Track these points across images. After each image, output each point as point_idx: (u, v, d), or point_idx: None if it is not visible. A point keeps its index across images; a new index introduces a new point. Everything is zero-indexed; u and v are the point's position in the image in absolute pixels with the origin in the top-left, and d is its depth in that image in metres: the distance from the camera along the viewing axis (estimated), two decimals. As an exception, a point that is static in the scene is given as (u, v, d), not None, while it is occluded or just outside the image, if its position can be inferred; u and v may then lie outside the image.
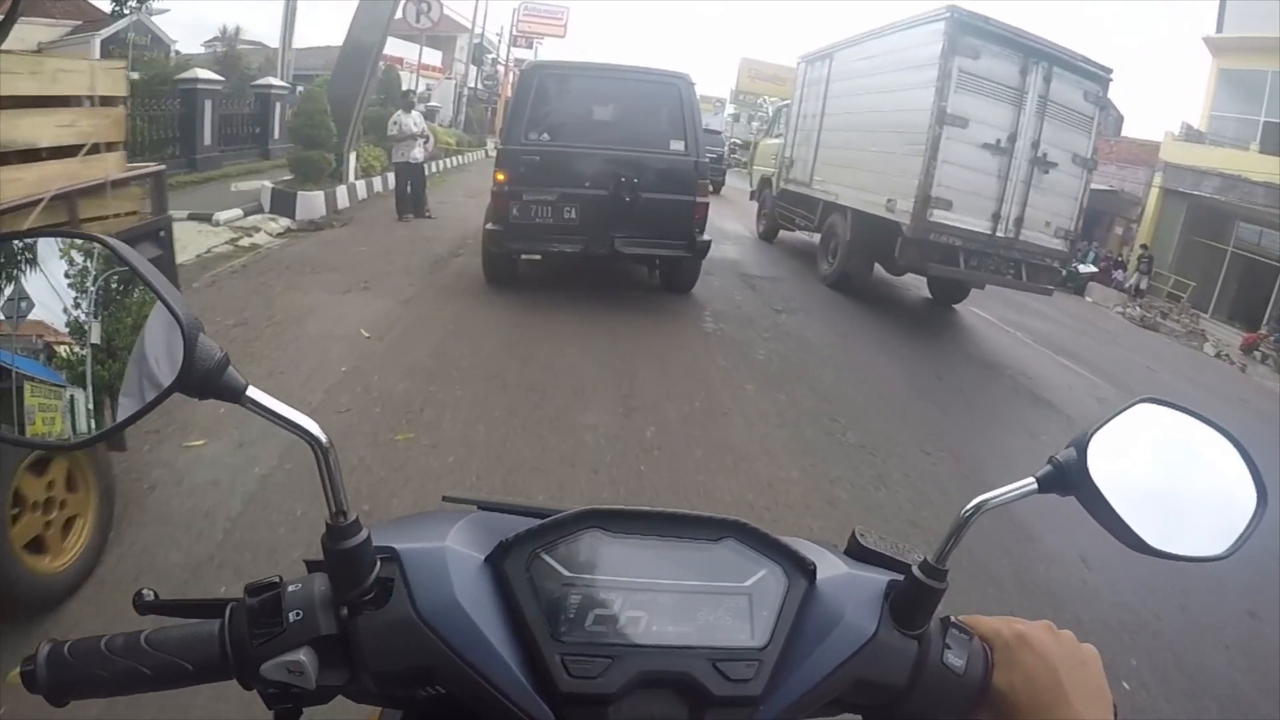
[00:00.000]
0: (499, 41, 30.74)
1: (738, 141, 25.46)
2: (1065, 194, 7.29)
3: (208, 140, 10.50)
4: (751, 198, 12.36)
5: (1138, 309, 13.95)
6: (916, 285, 8.98)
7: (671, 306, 6.37)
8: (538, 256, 6.24)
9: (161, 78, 10.39)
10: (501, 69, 29.67)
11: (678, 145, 5.93)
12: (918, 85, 6.68)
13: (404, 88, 9.53)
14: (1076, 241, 7.85)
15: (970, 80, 6.46)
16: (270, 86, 12.49)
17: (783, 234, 11.04)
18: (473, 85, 26.60)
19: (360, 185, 10.32)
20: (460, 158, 19.55)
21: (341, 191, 9.37)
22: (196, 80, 10.24)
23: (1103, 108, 7.27)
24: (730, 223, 13.22)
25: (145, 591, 0.50)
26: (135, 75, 14.04)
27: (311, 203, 8.38)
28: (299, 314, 4.87)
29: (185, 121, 10.12)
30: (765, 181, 11.37)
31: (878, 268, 8.19)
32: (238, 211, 7.69)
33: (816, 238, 9.24)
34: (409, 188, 9.06)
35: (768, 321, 6.40)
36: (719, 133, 22.72)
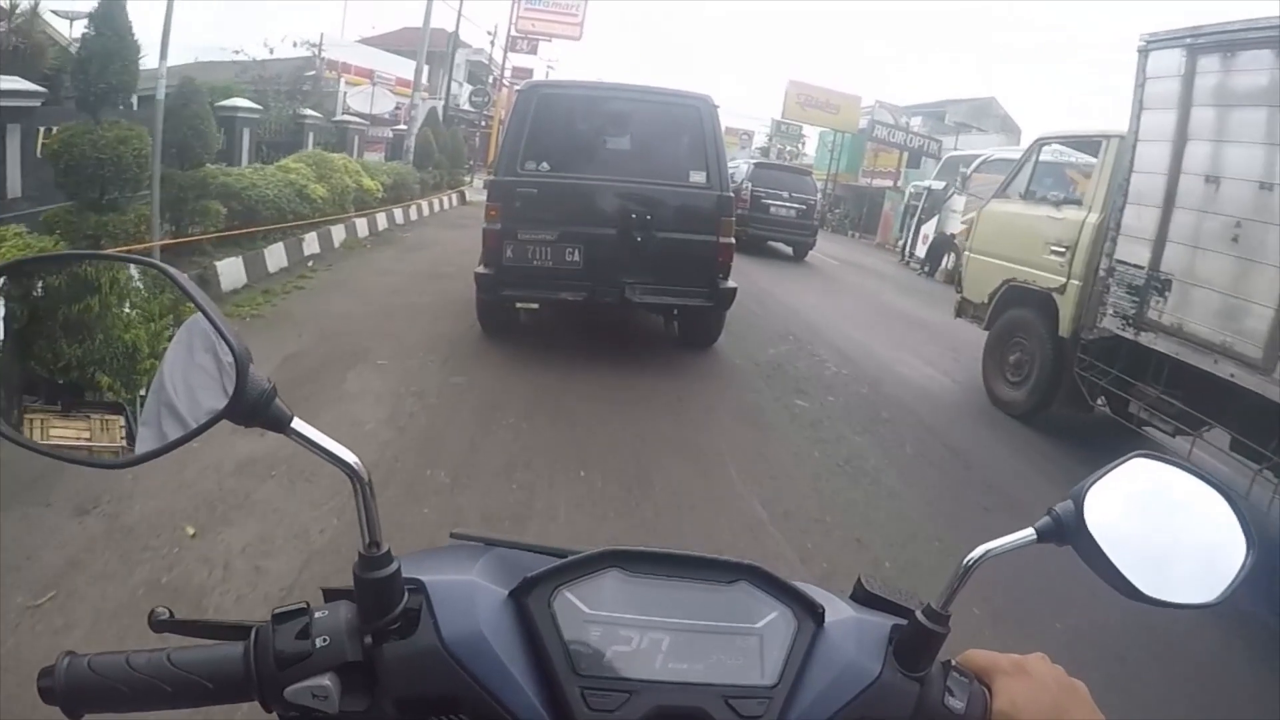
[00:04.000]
0: (492, 45, 23.93)
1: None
2: None
3: None
4: (959, 314, 6.27)
5: None
6: None
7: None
8: (534, 306, 5.26)
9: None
10: (500, 86, 23.08)
11: (698, 177, 5.05)
12: None
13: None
14: None
15: None
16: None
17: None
18: (444, 103, 19.43)
19: None
20: (398, 212, 11.59)
21: None
22: None
23: None
24: (889, 346, 7.23)
25: (160, 610, 0.49)
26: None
27: None
28: None
29: None
30: (1020, 295, 5.39)
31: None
32: None
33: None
34: None
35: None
36: (808, 174, 15.79)
